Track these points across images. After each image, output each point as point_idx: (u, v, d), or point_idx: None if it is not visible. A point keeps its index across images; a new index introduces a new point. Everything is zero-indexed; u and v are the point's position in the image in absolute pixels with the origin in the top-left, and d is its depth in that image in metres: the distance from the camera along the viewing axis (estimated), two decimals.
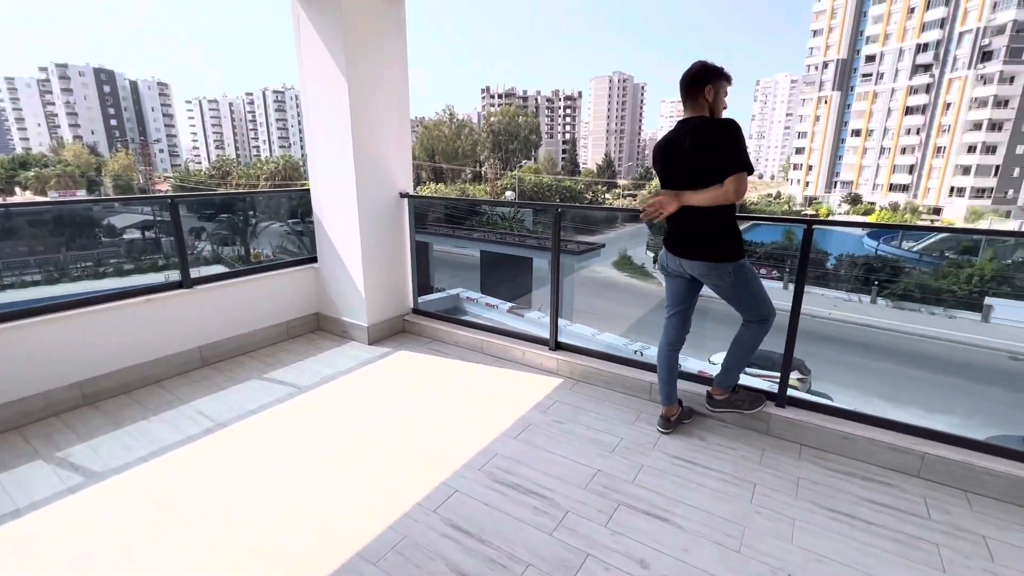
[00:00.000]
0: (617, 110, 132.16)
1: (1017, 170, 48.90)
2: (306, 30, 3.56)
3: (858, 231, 44.35)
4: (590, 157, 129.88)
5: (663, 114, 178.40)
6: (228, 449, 2.54)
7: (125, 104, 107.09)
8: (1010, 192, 49.23)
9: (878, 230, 42.14)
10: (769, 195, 73.48)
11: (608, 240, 45.35)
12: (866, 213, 50.90)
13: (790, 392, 2.73)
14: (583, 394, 3.15)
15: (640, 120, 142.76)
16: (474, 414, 2.91)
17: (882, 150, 59.37)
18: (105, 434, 2.67)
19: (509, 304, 9.47)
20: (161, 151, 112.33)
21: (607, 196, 75.90)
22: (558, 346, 3.49)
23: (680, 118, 2.40)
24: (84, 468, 2.38)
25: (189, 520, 2.02)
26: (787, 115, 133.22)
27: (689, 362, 6.74)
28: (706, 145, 2.21)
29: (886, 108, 58.68)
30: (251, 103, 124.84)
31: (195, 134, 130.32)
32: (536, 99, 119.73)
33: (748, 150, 2.19)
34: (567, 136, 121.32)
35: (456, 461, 2.44)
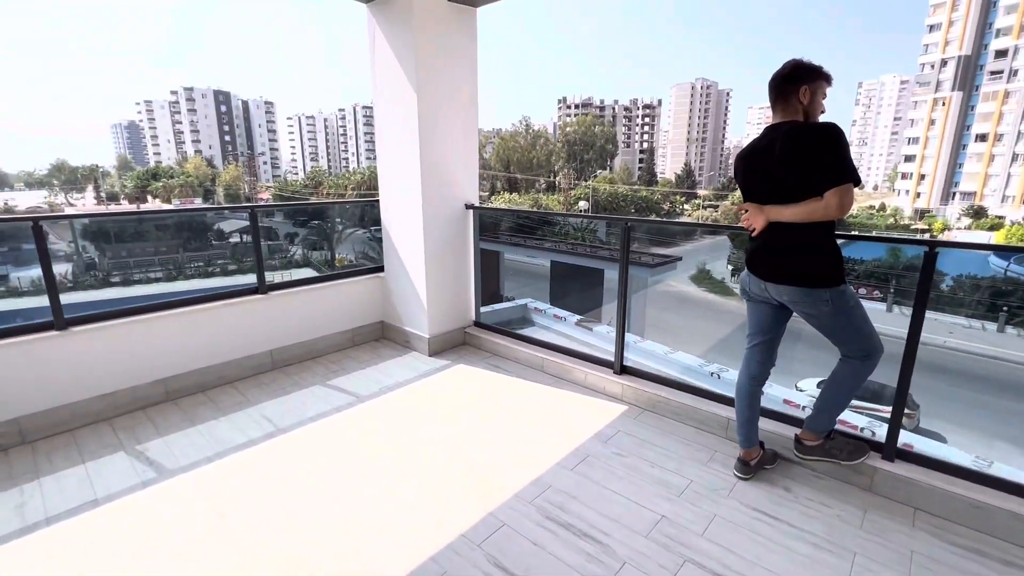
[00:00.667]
0: (699, 117, 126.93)
1: None
2: (379, 43, 3.64)
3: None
4: (668, 167, 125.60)
5: (750, 121, 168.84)
6: (287, 455, 2.58)
7: (238, 121, 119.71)
8: None
9: (1012, 249, 36.73)
10: (872, 207, 66.76)
11: (685, 252, 43.38)
12: (993, 228, 44.48)
13: (902, 441, 2.30)
14: (650, 425, 2.88)
15: (724, 128, 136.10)
16: (529, 439, 2.75)
17: (1014, 156, 51.84)
18: (180, 431, 2.82)
19: (577, 317, 9.21)
20: (265, 163, 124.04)
21: (686, 207, 72.95)
22: (623, 370, 3.25)
23: (768, 124, 2.12)
24: (157, 463, 2.51)
25: (240, 526, 2.04)
26: (895, 119, 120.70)
27: (772, 389, 6.16)
28: (801, 151, 1.91)
29: (1021, 110, 51.24)
30: (343, 118, 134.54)
31: (294, 147, 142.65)
32: (614, 108, 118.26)
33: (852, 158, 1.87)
34: (644, 145, 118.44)
35: (507, 490, 2.29)
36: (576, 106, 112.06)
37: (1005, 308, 22.14)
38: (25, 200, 73.35)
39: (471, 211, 4.04)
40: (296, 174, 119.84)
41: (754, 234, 2.13)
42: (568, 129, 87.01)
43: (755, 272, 2.20)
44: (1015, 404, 15.73)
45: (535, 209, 48.49)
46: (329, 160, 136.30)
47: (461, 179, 3.92)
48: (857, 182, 1.83)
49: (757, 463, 2.36)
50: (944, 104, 59.93)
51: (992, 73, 54.31)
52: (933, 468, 2.20)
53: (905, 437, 5.19)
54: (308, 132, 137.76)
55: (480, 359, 3.88)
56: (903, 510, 2.16)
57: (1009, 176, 52.82)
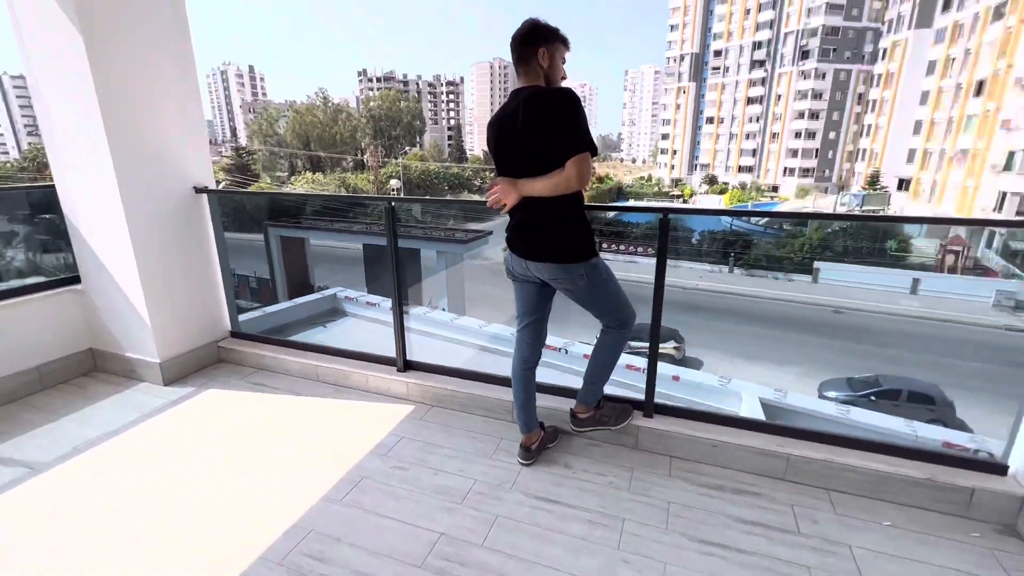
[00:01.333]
0: (500, 97, 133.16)
1: (830, 153, 58.08)
2: None
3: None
4: (476, 143, 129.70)
5: None
6: None
7: None
8: (827, 171, 58.39)
9: (734, 207, 47.54)
10: (642, 178, 79.33)
11: (497, 226, 45.65)
12: (721, 192, 57.12)
13: (672, 374, 2.48)
14: (437, 423, 2.65)
15: None
16: (290, 473, 2.26)
17: (731, 136, 66.91)
18: None
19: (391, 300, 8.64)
20: None
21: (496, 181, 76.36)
22: (407, 366, 2.94)
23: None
24: None
25: None
26: (653, 104, 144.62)
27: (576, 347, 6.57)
28: (542, 118, 1.78)
29: (732, 98, 66.05)
30: None
31: None
32: (417, 84, 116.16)
33: (590, 125, 1.81)
34: (452, 122, 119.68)
35: (249, 552, 1.79)
36: (378, 79, 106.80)
37: (731, 254, 28.60)
38: None
39: (204, 195, 3.20)
40: None
41: (504, 211, 1.97)
42: (372, 104, 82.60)
43: (515, 251, 2.05)
44: (743, 327, 20.53)
45: (339, 192, 45.21)
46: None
47: (181, 154, 3.04)
48: (594, 151, 1.77)
49: (539, 446, 2.30)
50: (685, 92, 73.69)
51: (713, 68, 68.46)
52: (681, 416, 2.41)
53: (674, 370, 6.05)
54: None
55: (240, 378, 3.17)
56: (662, 461, 2.31)
57: (728, 151, 67.94)
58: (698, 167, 72.54)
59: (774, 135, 60.65)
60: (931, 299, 23.08)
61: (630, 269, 28.45)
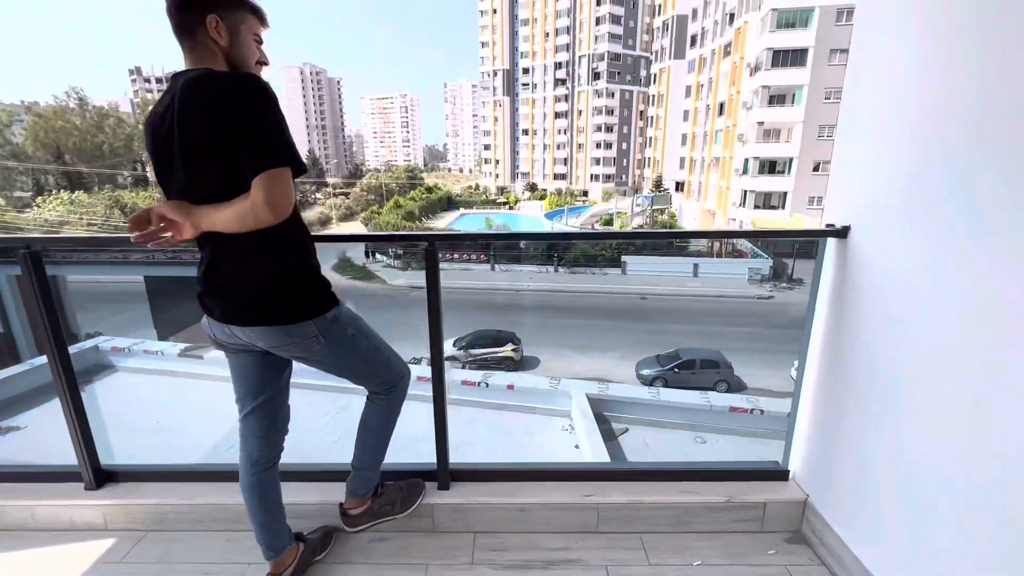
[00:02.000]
0: (315, 104, 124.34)
1: (624, 161, 67.32)
2: None
3: (538, 213, 53.43)
4: None
5: (364, 111, 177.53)
6: None
7: None
8: (623, 177, 67.51)
9: (553, 211, 51.75)
10: (471, 186, 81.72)
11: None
12: (542, 197, 61.90)
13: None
14: (151, 560, 1.82)
15: (342, 115, 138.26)
16: None
17: (544, 146, 73.02)
18: None
19: (182, 346, 6.87)
20: None
21: (318, 195, 70.94)
22: (104, 477, 2.02)
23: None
24: None
25: None
26: (474, 115, 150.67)
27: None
28: (207, 120, 1.17)
29: (542, 112, 72.15)
30: None
31: None
32: None
33: (289, 131, 1.28)
34: None
35: None
36: (158, 80, 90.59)
37: (555, 255, 30.89)
38: None
39: None
40: None
41: (175, 242, 1.29)
42: (150, 108, 69.42)
43: (209, 311, 1.40)
44: (570, 320, 22.17)
45: (117, 218, 37.17)
46: None
47: None
48: (296, 167, 1.23)
49: (296, 568, 1.66)
50: (500, 105, 78.00)
51: (523, 84, 73.79)
52: (481, 480, 2.02)
53: (508, 378, 5.87)
54: None
55: None
56: (464, 541, 1.88)
57: (544, 160, 73.88)
58: (519, 175, 77.47)
59: (580, 146, 67.91)
60: (708, 279, 28.07)
61: (464, 276, 28.72)
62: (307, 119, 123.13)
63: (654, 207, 34.81)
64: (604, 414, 5.62)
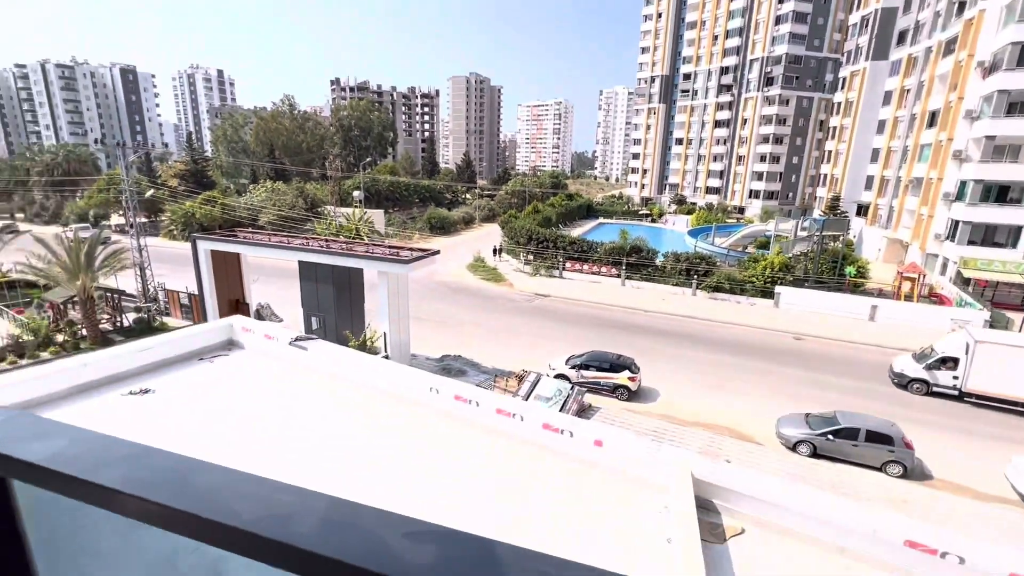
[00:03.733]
0: (475, 110, 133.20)
1: (793, 177, 59.38)
2: None
3: (682, 229, 49.81)
4: (452, 156, 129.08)
5: (520, 117, 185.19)
6: None
7: None
8: (790, 195, 59.60)
9: (698, 228, 47.75)
10: (613, 196, 79.78)
11: (463, 241, 44.51)
12: (689, 212, 57.64)
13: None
14: None
15: (499, 122, 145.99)
16: None
17: (699, 157, 67.95)
18: None
19: (293, 335, 7.33)
20: None
21: (467, 196, 75.55)
22: None
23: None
24: None
25: None
26: (626, 123, 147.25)
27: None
28: None
29: (700, 121, 67.22)
30: (24, 76, 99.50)
31: None
32: (392, 95, 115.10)
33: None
34: (426, 134, 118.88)
35: None
36: (351, 89, 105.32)
37: (695, 276, 28.15)
38: None
39: None
40: None
41: None
42: (343, 113, 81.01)
43: None
44: (703, 353, 19.83)
45: (297, 201, 43.42)
46: (7, 135, 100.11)
47: None
48: None
49: None
50: (655, 113, 74.69)
51: (683, 91, 69.63)
52: None
53: (598, 432, 4.95)
54: None
55: None
56: None
57: (697, 172, 68.87)
58: (667, 187, 73.37)
59: (740, 158, 61.74)
60: (889, 326, 22.97)
61: (591, 290, 27.66)
62: (467, 124, 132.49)
63: (824, 231, 29.68)
64: (715, 503, 4.40)
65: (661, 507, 4.36)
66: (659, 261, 30.23)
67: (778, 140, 58.02)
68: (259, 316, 19.37)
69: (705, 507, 4.43)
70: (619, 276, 29.40)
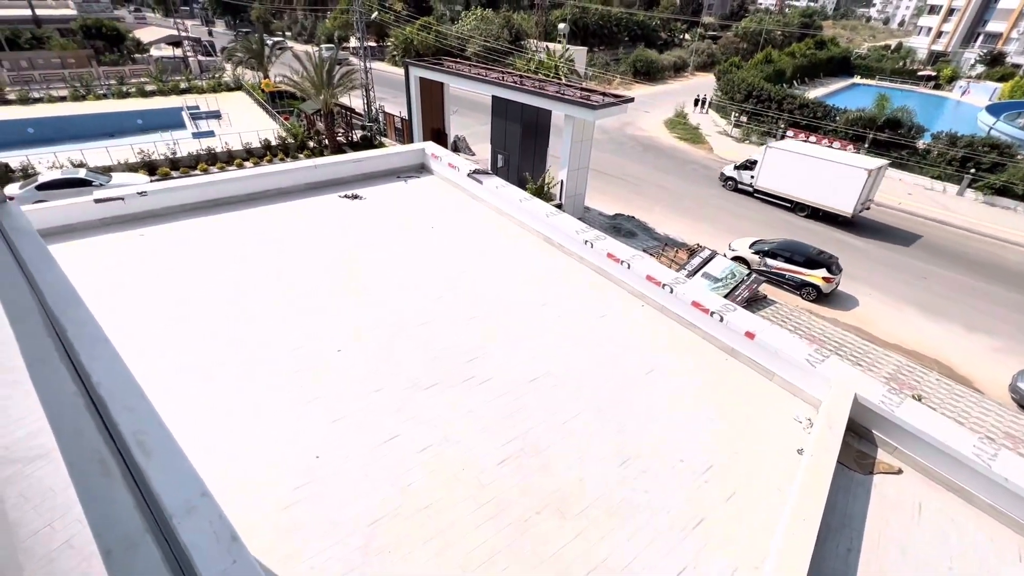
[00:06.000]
0: None
1: None
2: None
3: (980, 101, 36.01)
4: None
5: None
6: None
7: None
8: None
9: (1010, 102, 33.91)
10: (886, 47, 60.19)
11: (673, 91, 39.38)
12: (1003, 79, 40.68)
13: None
14: None
15: None
16: None
17: None
18: None
19: (471, 167, 7.89)
20: None
21: (686, 36, 64.87)
22: None
23: None
24: None
25: None
26: None
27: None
28: None
29: None
30: None
31: None
32: None
33: None
34: None
35: None
36: None
37: (972, 169, 21.09)
38: None
39: None
40: None
41: None
42: None
43: None
44: (937, 269, 15.76)
45: (502, 32, 42.34)
46: None
47: None
48: None
49: None
50: None
51: None
52: None
53: (750, 322, 4.54)
54: None
55: None
56: None
57: None
58: (980, 36, 51.99)
59: None
60: None
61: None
62: None
63: None
64: (874, 433, 3.78)
65: (804, 419, 3.95)
66: (923, 143, 23.15)
67: None
68: (455, 147, 20.89)
69: (860, 434, 3.87)
70: (857, 155, 23.56)
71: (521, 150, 16.44)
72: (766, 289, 13.41)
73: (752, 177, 19.32)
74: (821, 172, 17.57)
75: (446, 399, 3.78)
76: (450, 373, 4.04)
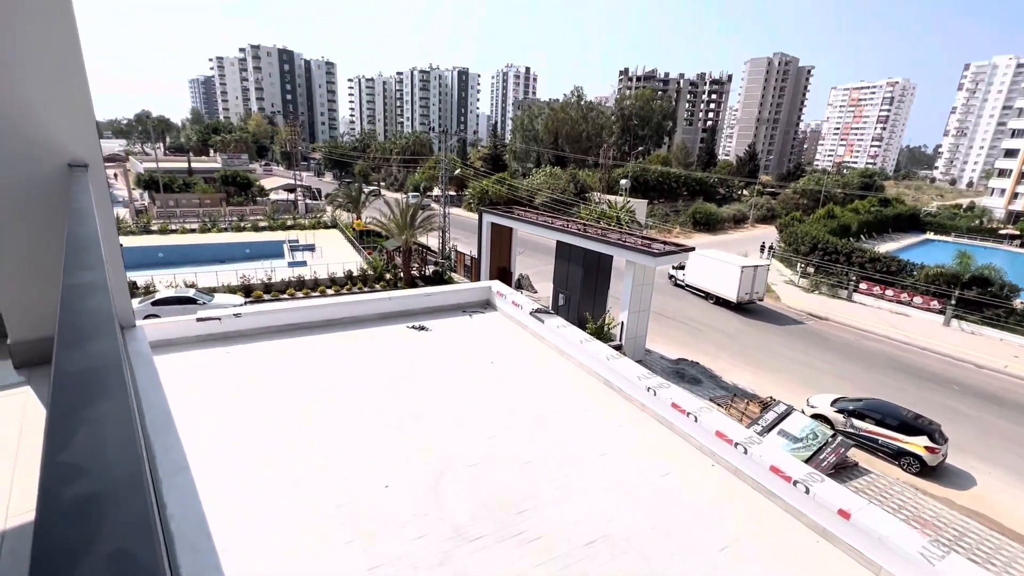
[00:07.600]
0: (774, 96, 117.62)
1: None
2: None
3: None
4: (734, 148, 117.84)
5: (832, 103, 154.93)
6: None
7: (300, 81, 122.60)
8: None
9: None
10: (958, 206, 59.78)
11: (733, 240, 40.37)
12: None
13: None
14: None
15: (801, 109, 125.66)
16: None
17: None
18: None
19: (534, 305, 8.19)
20: (323, 124, 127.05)
21: (744, 192, 68.37)
22: None
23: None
24: None
25: None
26: (1004, 108, 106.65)
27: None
28: None
29: None
30: (400, 82, 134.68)
31: (353, 109, 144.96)
32: (679, 83, 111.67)
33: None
34: (708, 123, 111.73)
35: None
36: (638, 78, 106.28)
37: None
38: (108, 147, 79.05)
39: (84, 172, 2.65)
40: (350, 136, 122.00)
41: None
42: (626, 103, 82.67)
43: None
44: None
45: (565, 185, 46.55)
46: (386, 124, 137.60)
47: (53, 124, 2.66)
48: None
49: None
50: None
51: None
52: None
53: (847, 500, 3.95)
54: (367, 95, 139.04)
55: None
56: None
57: None
58: None
59: None
60: None
61: (897, 324, 21.55)
62: (759, 112, 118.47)
63: None
64: None
65: None
66: (1019, 303, 21.46)
67: None
68: (518, 285, 21.95)
69: None
70: (942, 312, 22.10)
71: (582, 291, 16.96)
72: (856, 455, 11.88)
73: (684, 276, 26.27)
74: (716, 269, 24.09)
75: (492, 557, 3.44)
76: (499, 525, 3.73)
